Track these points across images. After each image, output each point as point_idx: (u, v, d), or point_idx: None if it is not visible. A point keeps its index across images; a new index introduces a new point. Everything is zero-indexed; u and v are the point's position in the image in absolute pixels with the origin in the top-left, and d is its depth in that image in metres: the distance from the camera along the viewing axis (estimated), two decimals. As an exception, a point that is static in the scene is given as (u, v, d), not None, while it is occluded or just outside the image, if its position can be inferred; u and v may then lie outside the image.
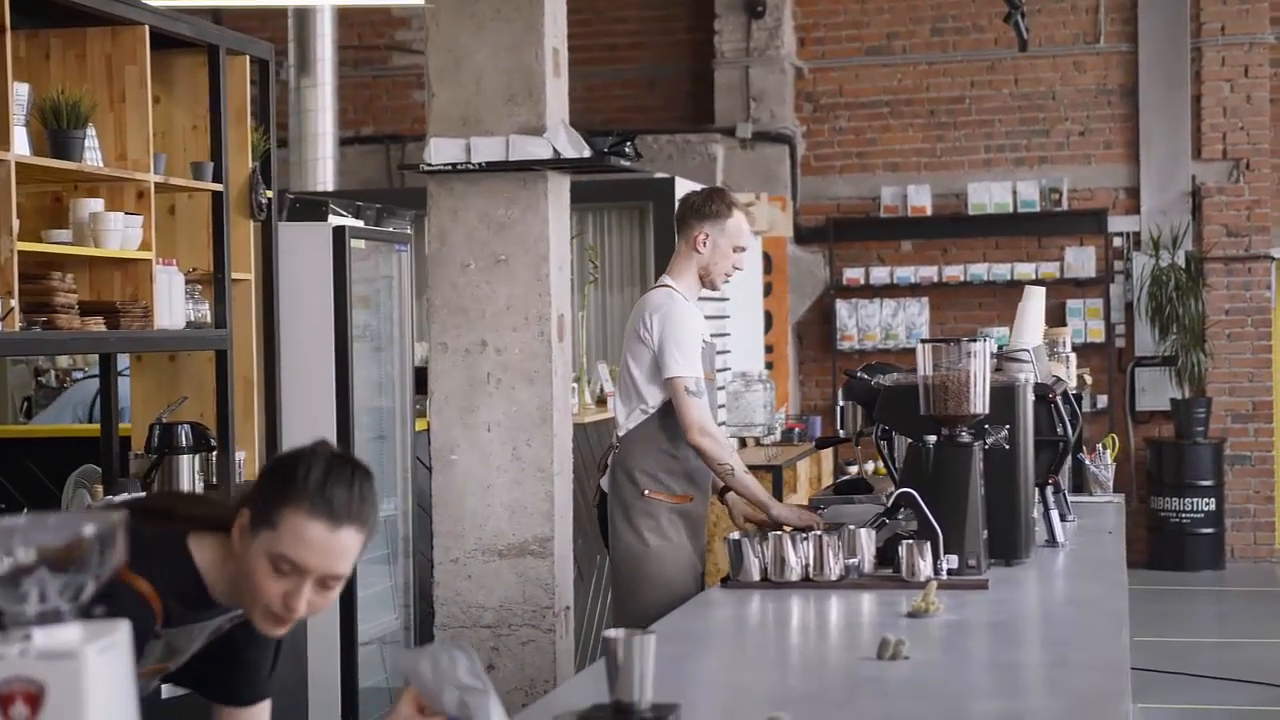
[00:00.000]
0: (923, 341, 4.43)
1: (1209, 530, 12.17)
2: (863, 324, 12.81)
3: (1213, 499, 12.15)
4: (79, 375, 8.92)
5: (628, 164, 6.07)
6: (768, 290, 12.23)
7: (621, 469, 5.21)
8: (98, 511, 1.77)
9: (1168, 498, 12.18)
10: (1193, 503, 12.13)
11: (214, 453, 5.50)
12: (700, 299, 5.27)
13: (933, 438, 4.37)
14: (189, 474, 5.33)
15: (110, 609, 2.32)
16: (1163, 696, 8.23)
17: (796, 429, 10.80)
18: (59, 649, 1.71)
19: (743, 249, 5.29)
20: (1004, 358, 5.04)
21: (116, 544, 1.78)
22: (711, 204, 5.26)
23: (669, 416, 5.12)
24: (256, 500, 2.59)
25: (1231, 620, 10.88)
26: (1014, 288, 12.41)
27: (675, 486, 5.18)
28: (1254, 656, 9.32)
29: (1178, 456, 12.19)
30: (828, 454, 10.92)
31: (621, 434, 5.24)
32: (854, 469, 12.07)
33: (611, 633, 2.70)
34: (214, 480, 5.53)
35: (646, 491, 5.15)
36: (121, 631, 1.78)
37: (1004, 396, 4.51)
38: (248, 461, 5.81)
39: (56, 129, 4.75)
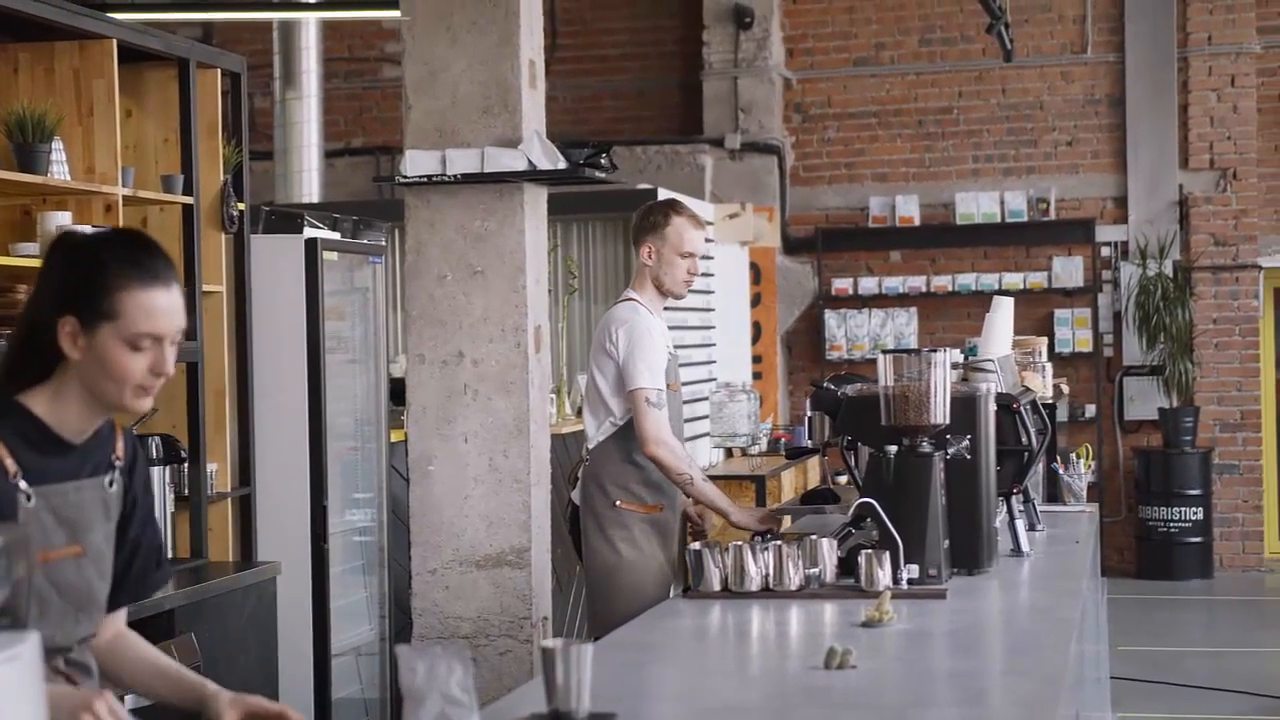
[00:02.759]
0: (884, 352, 4.45)
1: (1197, 539, 12.17)
2: (851, 334, 12.83)
3: (1201, 508, 12.16)
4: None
5: (603, 176, 6.08)
6: (756, 300, 12.26)
7: (593, 481, 5.28)
8: (5, 524, 1.78)
9: (1156, 507, 12.18)
10: (1181, 512, 12.13)
11: (185, 465, 5.51)
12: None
13: (893, 448, 4.38)
14: (160, 486, 5.34)
15: None
16: (1148, 706, 8.24)
17: (784, 439, 10.81)
18: (-39, 660, 1.73)
19: (690, 254, 5.35)
20: (969, 368, 5.05)
21: (22, 554, 1.79)
22: (650, 216, 5.38)
23: None
24: (76, 302, 2.64)
25: (1219, 629, 10.89)
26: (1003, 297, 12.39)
27: (646, 497, 5.23)
28: (1241, 665, 9.33)
29: (1166, 465, 12.19)
30: (814, 464, 10.93)
31: (591, 446, 5.32)
32: (843, 479, 12.08)
33: (548, 643, 2.73)
34: (186, 492, 5.55)
35: (618, 503, 5.22)
36: (29, 643, 1.79)
37: (965, 406, 4.52)
38: (219, 474, 5.83)
39: (22, 142, 4.77)
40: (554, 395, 8.12)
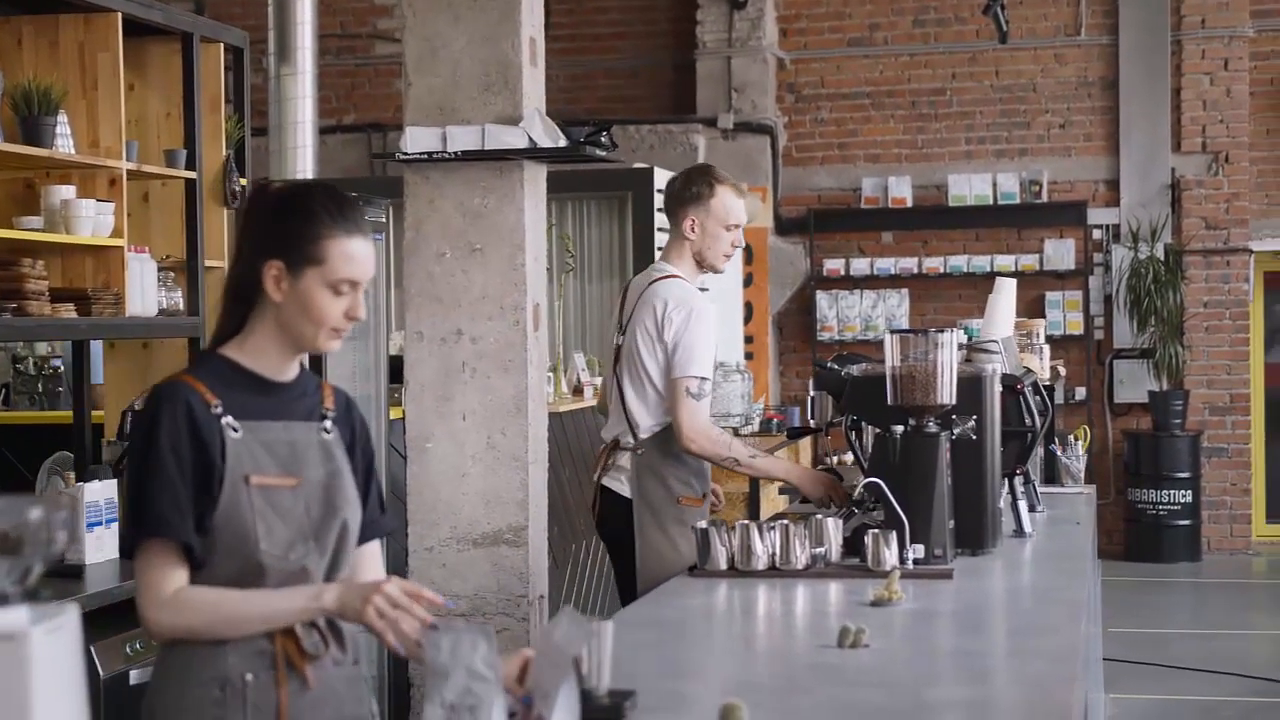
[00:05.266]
0: (891, 332, 4.45)
1: (1186, 522, 12.22)
2: (843, 315, 12.84)
3: (1190, 491, 12.21)
4: (58, 363, 8.92)
5: (603, 154, 6.07)
6: (748, 281, 12.26)
7: (650, 474, 5.03)
8: (45, 494, 1.79)
9: (1145, 489, 12.23)
10: (1170, 494, 12.18)
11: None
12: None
13: (900, 428, 4.38)
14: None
15: (149, 404, 2.80)
16: (1138, 687, 8.28)
17: (776, 419, 10.82)
18: (5, 630, 1.72)
19: (735, 226, 5.08)
20: (973, 349, 5.05)
21: (62, 527, 1.79)
22: (692, 186, 5.09)
23: None
24: (283, 247, 2.82)
25: (1207, 611, 10.93)
26: (993, 279, 12.38)
27: (699, 487, 5.08)
28: (1229, 647, 9.37)
29: (1155, 448, 12.23)
30: (806, 444, 10.95)
31: (643, 435, 5.04)
32: (832, 459, 12.10)
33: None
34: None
35: (681, 499, 5.01)
36: (70, 615, 1.79)
37: (971, 387, 4.52)
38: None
39: (27, 115, 4.75)
40: (550, 374, 8.12)
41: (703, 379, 4.92)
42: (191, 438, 2.77)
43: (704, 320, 4.96)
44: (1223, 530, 12.54)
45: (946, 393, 4.37)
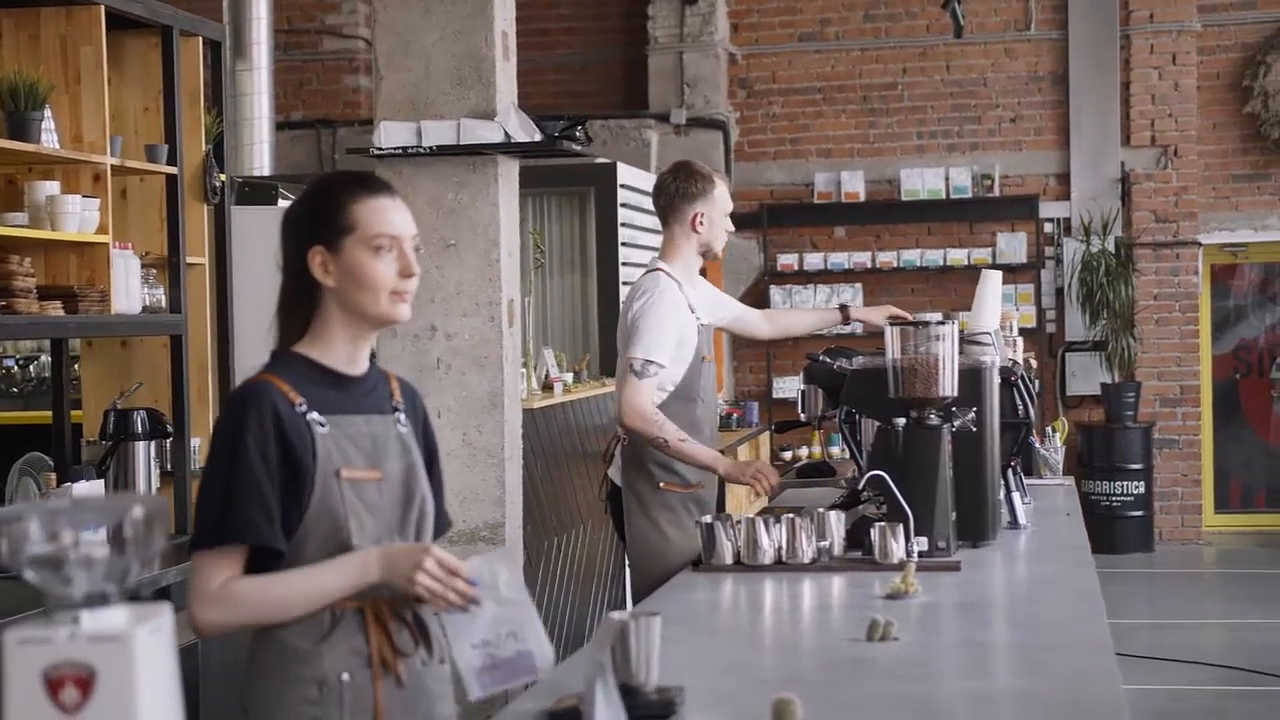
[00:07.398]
0: (891, 324, 4.44)
1: (1138, 513, 12.32)
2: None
3: (1142, 482, 12.30)
4: (10, 363, 8.82)
5: (579, 148, 6.06)
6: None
7: (634, 462, 5.11)
8: (144, 494, 1.75)
9: (1098, 481, 12.31)
10: (1122, 486, 12.27)
11: (169, 439, 5.43)
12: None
13: (901, 420, 4.38)
14: (144, 461, 5.26)
15: (233, 406, 2.77)
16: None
17: (734, 415, 10.85)
18: (108, 632, 1.70)
19: (730, 210, 5.33)
20: (966, 341, 5.05)
21: (162, 526, 1.76)
22: (696, 183, 5.21)
23: (676, 405, 5.05)
24: (317, 231, 2.81)
25: (1161, 602, 11.02)
26: (946, 273, 12.52)
27: (689, 475, 5.10)
28: (1184, 637, 9.46)
29: (1107, 440, 12.32)
30: (765, 439, 10.99)
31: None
32: (788, 454, 12.14)
33: (618, 615, 2.70)
34: (169, 467, 5.46)
35: (662, 484, 5.08)
36: (165, 614, 1.76)
37: (971, 379, 4.53)
38: (203, 448, 5.74)
39: (14, 110, 4.67)
40: (522, 370, 8.08)
41: (647, 360, 4.98)
42: (279, 438, 2.74)
43: (661, 304, 5.03)
44: (1174, 521, 12.65)
45: (948, 385, 4.37)
